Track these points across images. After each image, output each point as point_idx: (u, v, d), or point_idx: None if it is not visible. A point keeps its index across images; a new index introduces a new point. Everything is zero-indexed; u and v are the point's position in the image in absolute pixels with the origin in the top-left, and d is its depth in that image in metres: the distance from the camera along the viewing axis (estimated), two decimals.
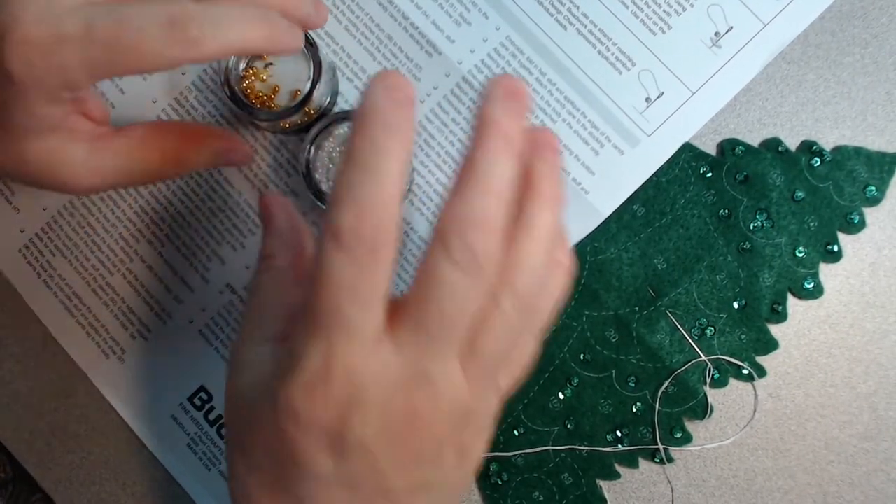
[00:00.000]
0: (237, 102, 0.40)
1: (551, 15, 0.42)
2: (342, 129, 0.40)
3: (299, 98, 0.39)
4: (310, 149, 0.39)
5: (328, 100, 0.41)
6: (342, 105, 0.43)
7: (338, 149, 0.40)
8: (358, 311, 0.24)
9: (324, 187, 0.39)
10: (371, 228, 0.24)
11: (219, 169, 0.43)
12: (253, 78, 0.42)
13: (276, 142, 0.43)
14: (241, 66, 0.41)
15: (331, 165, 0.39)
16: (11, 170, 0.33)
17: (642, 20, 0.42)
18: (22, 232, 0.44)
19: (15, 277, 0.44)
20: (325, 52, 0.42)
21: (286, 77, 0.42)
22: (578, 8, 0.42)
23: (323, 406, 0.25)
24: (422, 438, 0.26)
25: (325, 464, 0.26)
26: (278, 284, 0.32)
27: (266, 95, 0.42)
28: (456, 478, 0.29)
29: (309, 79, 0.39)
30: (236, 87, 0.40)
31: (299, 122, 0.41)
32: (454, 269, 0.24)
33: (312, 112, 0.41)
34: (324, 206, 0.34)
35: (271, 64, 0.42)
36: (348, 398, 0.25)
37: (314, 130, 0.39)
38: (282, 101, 0.42)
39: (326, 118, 0.39)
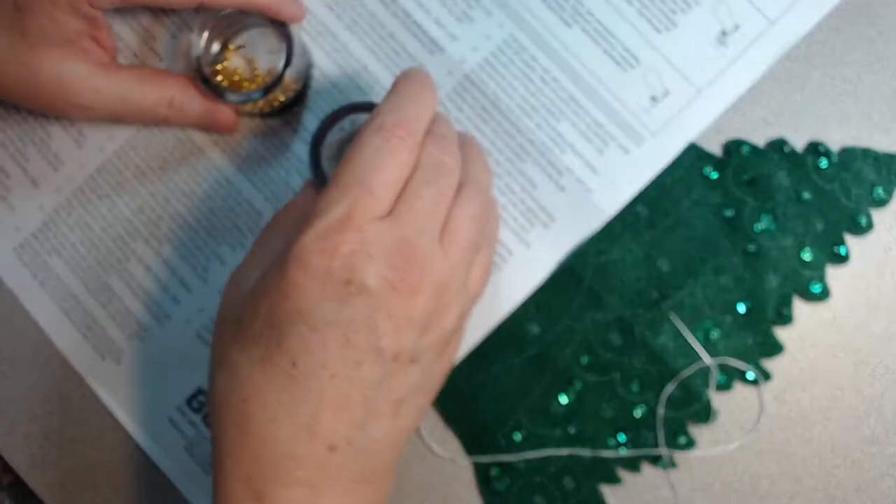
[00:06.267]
0: (208, 85, 0.40)
1: (555, 12, 0.42)
2: (346, 124, 0.39)
3: (274, 77, 0.40)
4: (317, 145, 0.38)
5: (302, 77, 0.42)
6: (318, 78, 0.43)
7: (346, 137, 0.39)
8: (382, 183, 0.30)
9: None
10: (408, 130, 0.31)
11: (218, 167, 0.43)
12: (226, 63, 0.43)
13: (274, 138, 0.43)
14: (215, 49, 0.42)
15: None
16: (22, 79, 0.38)
17: (648, 18, 0.41)
18: (17, 231, 0.44)
19: (9, 277, 0.44)
20: (294, 29, 0.42)
21: (260, 59, 0.43)
22: (583, 5, 0.42)
23: (333, 251, 0.29)
24: (413, 304, 0.30)
25: (327, 309, 0.29)
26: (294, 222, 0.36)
27: (244, 79, 0.43)
28: (436, 369, 0.33)
29: (282, 56, 0.40)
30: (207, 71, 0.41)
31: (276, 102, 0.42)
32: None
33: (292, 90, 0.42)
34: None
35: (242, 47, 0.43)
36: (357, 248, 0.29)
37: (321, 125, 0.39)
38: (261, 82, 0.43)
39: (333, 113, 0.38)
